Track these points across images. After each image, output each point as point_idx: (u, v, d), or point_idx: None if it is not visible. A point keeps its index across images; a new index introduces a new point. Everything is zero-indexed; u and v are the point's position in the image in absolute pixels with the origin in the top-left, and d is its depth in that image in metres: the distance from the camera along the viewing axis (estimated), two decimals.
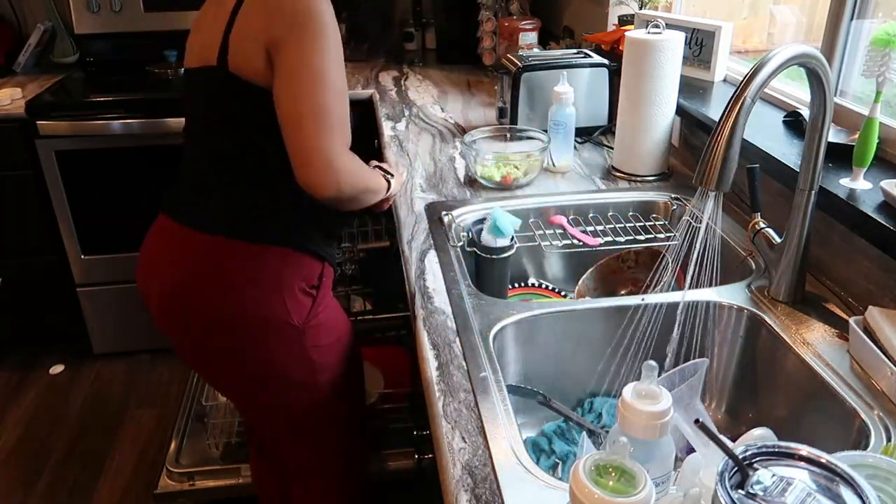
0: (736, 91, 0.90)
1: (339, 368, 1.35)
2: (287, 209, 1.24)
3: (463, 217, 1.40)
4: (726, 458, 0.57)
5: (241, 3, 1.16)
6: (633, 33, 1.47)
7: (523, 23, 2.30)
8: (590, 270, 1.33)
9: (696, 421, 0.64)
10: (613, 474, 0.58)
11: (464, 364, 0.98)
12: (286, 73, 1.12)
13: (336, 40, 1.15)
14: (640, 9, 1.97)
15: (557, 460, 1.05)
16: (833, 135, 1.15)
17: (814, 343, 1.00)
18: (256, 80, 1.15)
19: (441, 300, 1.13)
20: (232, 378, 1.33)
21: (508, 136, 1.65)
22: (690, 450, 0.76)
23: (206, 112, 1.25)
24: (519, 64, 1.76)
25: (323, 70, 1.12)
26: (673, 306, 1.13)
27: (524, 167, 1.50)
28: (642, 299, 1.14)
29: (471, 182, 1.57)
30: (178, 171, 1.32)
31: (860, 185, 1.08)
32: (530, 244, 1.33)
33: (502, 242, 1.27)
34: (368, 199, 1.28)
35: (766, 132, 1.32)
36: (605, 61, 1.78)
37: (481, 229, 1.32)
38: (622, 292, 1.34)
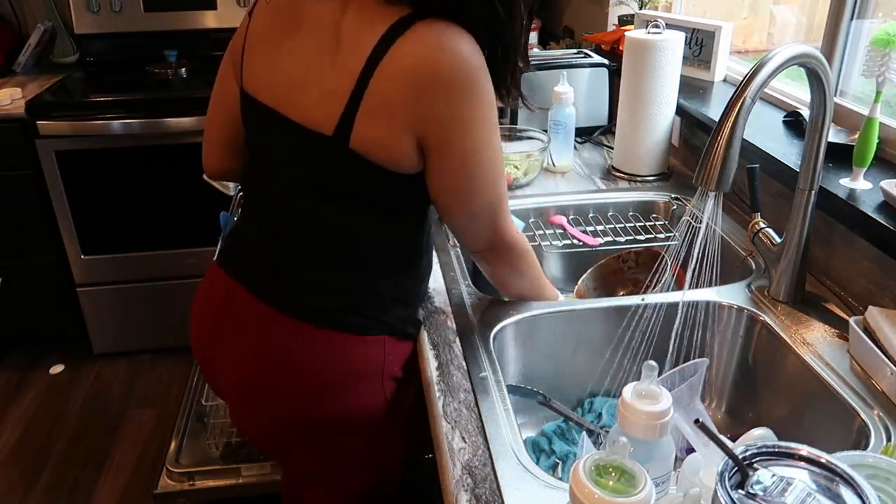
0: (736, 91, 0.90)
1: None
2: (393, 295, 1.04)
3: None
4: (726, 458, 0.57)
5: (375, 63, 0.86)
6: (633, 33, 1.47)
7: None
8: (589, 270, 1.33)
9: (696, 421, 0.64)
10: (613, 474, 0.58)
11: (464, 364, 0.98)
12: (449, 155, 0.92)
13: (494, 112, 0.93)
14: (640, 9, 1.97)
15: (557, 460, 1.05)
16: (833, 135, 1.15)
17: (814, 343, 1.00)
18: (388, 165, 0.91)
19: (441, 300, 1.13)
20: (308, 463, 1.12)
21: (508, 136, 1.65)
22: (690, 450, 0.76)
23: (305, 179, 0.97)
24: None
25: (490, 149, 0.93)
26: (673, 306, 1.13)
27: (524, 167, 1.50)
28: (642, 299, 1.14)
29: None
30: (243, 225, 1.10)
31: (860, 185, 1.08)
32: (530, 244, 1.32)
33: None
34: (536, 289, 1.13)
35: (766, 132, 1.32)
36: (605, 61, 1.78)
37: None
38: (622, 293, 1.34)
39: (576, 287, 1.34)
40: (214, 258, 1.15)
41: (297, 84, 0.93)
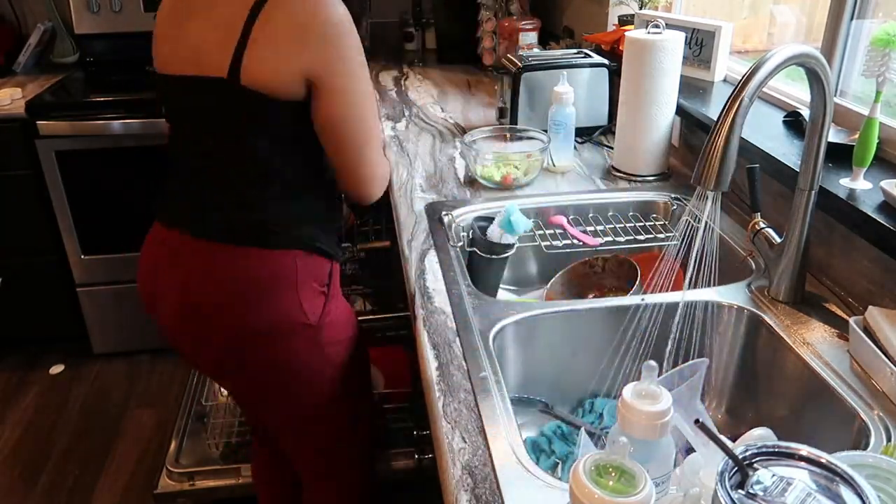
0: (734, 91, 0.90)
1: (350, 365, 1.35)
2: (301, 214, 1.24)
3: (463, 217, 1.40)
4: (726, 458, 0.57)
5: (254, 17, 1.11)
6: (633, 33, 1.47)
7: (523, 23, 2.30)
8: (559, 274, 1.34)
9: (696, 421, 0.64)
10: (613, 474, 0.58)
11: (464, 364, 0.98)
12: (336, 100, 1.17)
13: (363, 53, 1.19)
14: (640, 9, 1.97)
15: (557, 460, 1.05)
16: (833, 135, 1.15)
17: (814, 343, 1.00)
18: (278, 95, 1.14)
19: (441, 300, 1.13)
20: (251, 383, 1.32)
21: (508, 136, 1.65)
22: (690, 450, 0.76)
23: (212, 122, 1.20)
24: (519, 64, 1.76)
25: (367, 93, 1.21)
26: (673, 306, 1.13)
27: (524, 167, 1.50)
28: (642, 299, 1.14)
29: (471, 182, 1.57)
30: (170, 178, 1.30)
31: (860, 185, 1.08)
32: (531, 244, 1.33)
33: (507, 240, 1.27)
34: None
35: (766, 132, 1.32)
36: (605, 61, 1.78)
37: (484, 226, 1.32)
38: (589, 296, 1.34)
39: (546, 289, 1.35)
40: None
41: (196, 48, 1.17)
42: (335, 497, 1.50)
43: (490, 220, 1.33)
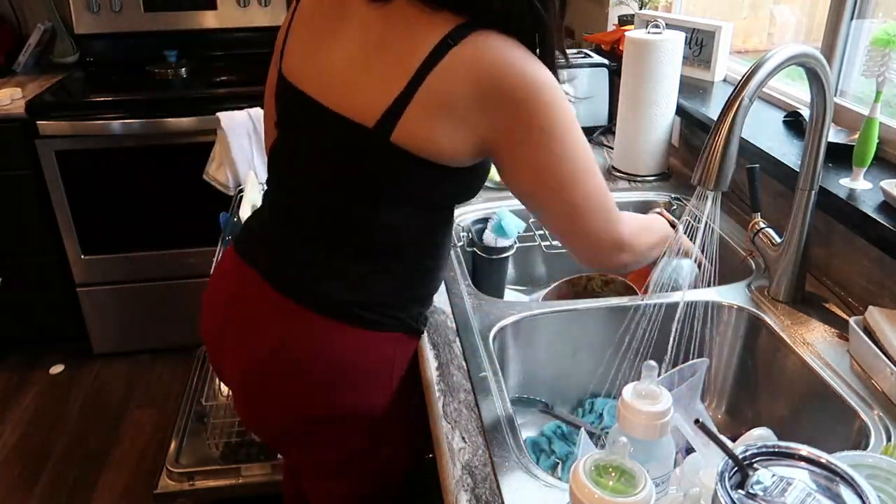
0: (733, 91, 0.90)
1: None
2: (412, 294, 1.04)
3: (463, 217, 1.40)
4: (726, 458, 0.57)
5: (430, 65, 0.85)
6: (633, 33, 1.47)
7: None
8: (558, 283, 1.33)
9: (696, 421, 0.64)
10: (613, 474, 0.58)
11: (464, 364, 0.98)
12: (531, 173, 0.92)
13: (572, 113, 0.93)
14: (640, 9, 1.97)
15: (557, 460, 1.05)
16: (833, 135, 1.15)
17: (814, 343, 1.00)
18: (433, 158, 0.90)
19: (441, 300, 1.13)
20: (310, 460, 1.13)
21: None
22: (690, 450, 0.76)
23: (337, 170, 0.95)
24: None
25: (578, 163, 0.92)
26: (673, 306, 1.13)
27: None
28: (642, 299, 1.14)
29: None
30: (265, 210, 1.08)
31: (860, 185, 1.08)
32: (530, 244, 1.33)
33: (503, 243, 1.27)
34: (655, 253, 1.08)
35: (766, 132, 1.32)
36: (605, 61, 1.78)
37: (482, 229, 1.32)
38: None
39: (544, 293, 1.35)
40: (229, 242, 1.12)
41: (339, 76, 0.92)
42: None
43: (488, 221, 1.33)
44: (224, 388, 2.07)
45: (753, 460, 0.58)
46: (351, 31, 0.92)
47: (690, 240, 1.09)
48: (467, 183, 0.98)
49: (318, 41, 0.96)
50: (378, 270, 0.99)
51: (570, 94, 1.54)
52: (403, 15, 0.88)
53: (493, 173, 1.50)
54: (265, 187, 1.10)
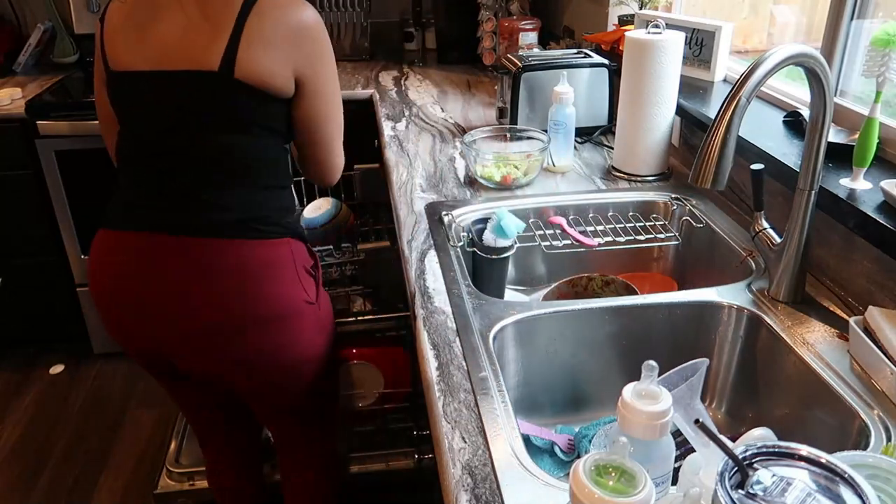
0: (731, 91, 0.90)
1: (333, 343, 1.44)
2: (284, 205, 1.32)
3: (463, 217, 1.40)
4: (726, 458, 0.57)
5: (245, 14, 1.17)
6: (633, 33, 1.47)
7: (523, 23, 2.30)
8: (558, 283, 1.33)
9: (696, 421, 0.64)
10: (613, 474, 0.58)
11: (464, 364, 0.98)
12: (319, 99, 1.27)
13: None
14: (640, 9, 1.97)
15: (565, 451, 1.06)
16: (833, 135, 1.15)
17: (814, 343, 1.00)
18: (268, 89, 1.20)
19: (441, 300, 1.13)
20: (257, 371, 1.32)
21: (508, 136, 1.65)
22: (690, 450, 0.76)
23: (195, 117, 1.20)
24: (519, 64, 1.76)
25: (338, 93, 1.32)
26: (673, 306, 1.13)
27: (524, 167, 1.50)
28: (643, 299, 1.14)
29: (471, 182, 1.57)
30: (128, 181, 1.29)
31: (860, 185, 1.08)
32: (530, 244, 1.33)
33: (503, 243, 1.27)
34: None
35: (766, 132, 1.32)
36: (605, 61, 1.78)
37: (482, 229, 1.32)
38: None
39: (544, 293, 1.35)
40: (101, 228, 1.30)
41: (175, 43, 1.19)
42: (315, 486, 1.61)
43: (488, 221, 1.33)
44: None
45: (753, 460, 0.58)
46: (170, 11, 1.20)
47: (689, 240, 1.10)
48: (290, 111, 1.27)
49: (142, 30, 1.21)
50: (254, 192, 1.25)
51: (566, 93, 1.56)
52: None
53: (492, 173, 1.51)
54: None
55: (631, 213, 1.44)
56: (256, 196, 1.25)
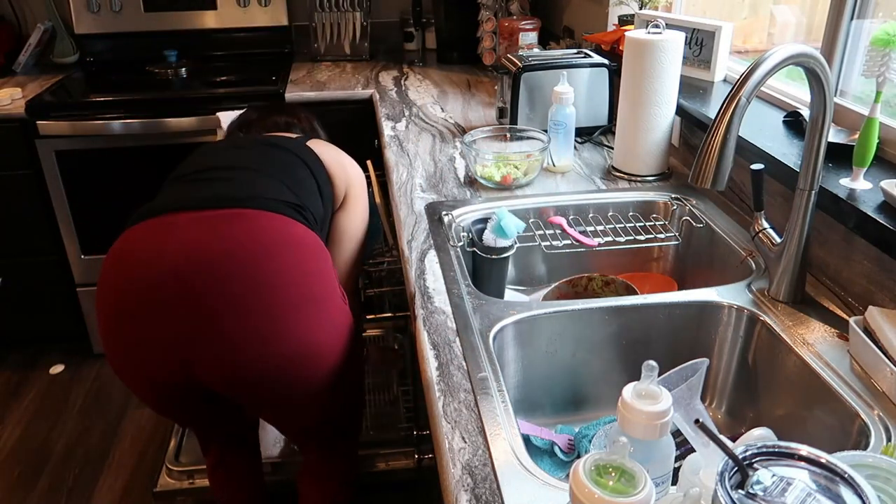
0: (731, 90, 0.90)
1: (358, 352, 1.44)
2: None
3: (463, 217, 1.40)
4: (726, 458, 0.57)
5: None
6: (633, 33, 1.47)
7: (523, 23, 2.30)
8: (558, 283, 1.33)
9: (696, 421, 0.64)
10: (613, 474, 0.58)
11: (464, 364, 0.98)
12: (349, 220, 1.55)
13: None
14: (640, 9, 1.97)
15: (565, 450, 1.06)
16: (833, 135, 1.15)
17: (814, 343, 1.00)
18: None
19: (441, 300, 1.13)
20: (283, 349, 1.26)
21: (508, 135, 1.65)
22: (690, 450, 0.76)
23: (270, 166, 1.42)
24: (519, 64, 1.76)
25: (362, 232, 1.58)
26: (673, 306, 1.13)
27: (524, 167, 1.50)
28: (643, 299, 1.14)
29: (471, 182, 1.57)
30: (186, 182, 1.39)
31: (860, 185, 1.08)
32: (530, 244, 1.33)
33: (503, 243, 1.27)
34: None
35: (766, 132, 1.32)
36: (605, 61, 1.78)
37: (482, 228, 1.32)
38: None
39: (544, 293, 1.35)
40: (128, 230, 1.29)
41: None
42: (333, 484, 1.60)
43: (488, 221, 1.33)
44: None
45: (753, 460, 0.58)
46: None
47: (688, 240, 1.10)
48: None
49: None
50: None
51: (566, 93, 1.56)
52: None
53: (492, 173, 1.51)
54: None
55: (631, 213, 1.44)
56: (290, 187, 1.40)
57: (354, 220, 1.55)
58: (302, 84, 2.49)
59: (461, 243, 1.30)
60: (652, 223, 1.39)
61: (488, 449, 0.83)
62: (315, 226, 1.39)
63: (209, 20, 2.78)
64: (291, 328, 1.22)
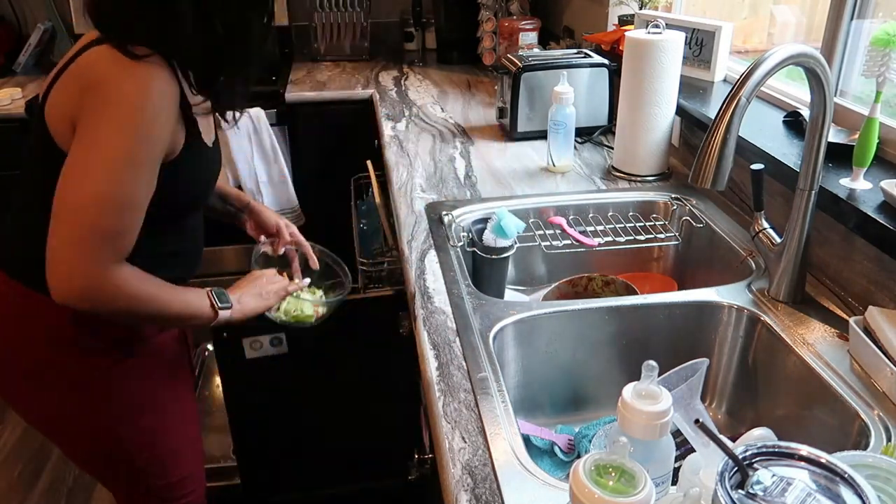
0: (731, 90, 0.90)
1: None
2: None
3: (463, 217, 1.40)
4: (726, 458, 0.57)
5: (72, 59, 1.02)
6: (633, 33, 1.47)
7: (523, 23, 2.30)
8: (557, 283, 1.33)
9: (696, 421, 0.64)
10: (613, 474, 0.58)
11: (464, 364, 0.98)
12: (68, 161, 0.98)
13: (135, 136, 0.96)
14: (640, 9, 1.97)
15: (566, 450, 1.06)
16: (833, 135, 1.15)
17: (814, 343, 1.00)
18: (58, 141, 1.02)
19: (441, 300, 1.13)
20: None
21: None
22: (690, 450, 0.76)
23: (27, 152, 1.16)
24: (519, 64, 1.76)
25: (98, 167, 0.96)
26: (673, 306, 1.13)
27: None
28: (643, 299, 1.14)
29: (471, 182, 1.57)
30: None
31: (860, 185, 1.08)
32: (530, 244, 1.33)
33: (503, 243, 1.27)
34: (172, 323, 1.20)
35: (766, 132, 1.32)
36: (605, 61, 1.78)
37: (482, 229, 1.32)
38: None
39: (544, 293, 1.35)
40: None
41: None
42: None
43: (488, 221, 1.33)
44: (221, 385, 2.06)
45: (753, 460, 0.58)
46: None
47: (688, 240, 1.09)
48: None
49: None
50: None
51: (566, 93, 1.55)
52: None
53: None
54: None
55: (631, 213, 1.43)
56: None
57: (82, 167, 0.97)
58: (302, 84, 2.49)
59: (461, 243, 1.30)
60: (652, 223, 1.39)
61: (488, 449, 0.83)
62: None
63: None
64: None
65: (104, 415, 1.18)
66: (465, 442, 0.84)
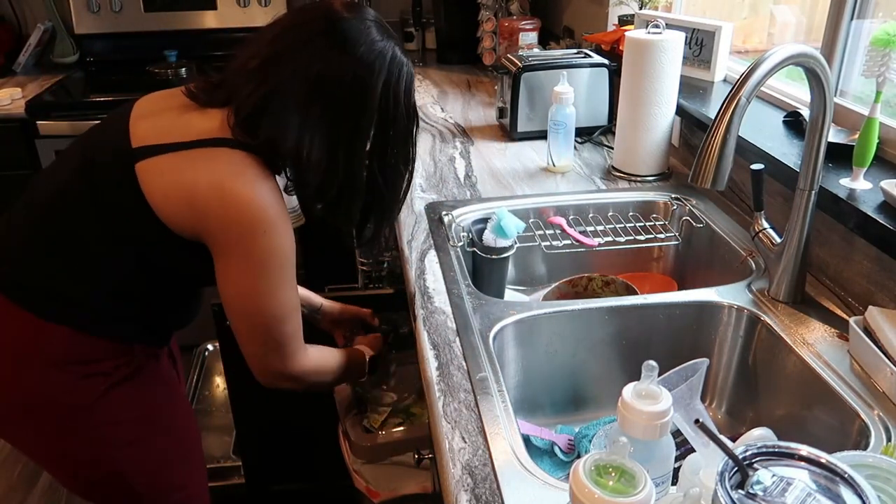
0: (731, 90, 0.90)
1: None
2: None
3: (463, 217, 1.40)
4: (726, 458, 0.57)
5: (198, 146, 1.01)
6: (633, 33, 1.47)
7: (523, 23, 2.30)
8: (557, 283, 1.33)
9: (696, 421, 0.64)
10: (613, 474, 0.58)
11: (464, 364, 0.98)
12: (227, 277, 1.03)
13: (284, 275, 1.03)
14: (640, 9, 1.97)
15: (565, 450, 1.06)
16: (833, 135, 1.15)
17: (814, 343, 1.00)
18: (163, 220, 1.01)
19: (441, 300, 1.13)
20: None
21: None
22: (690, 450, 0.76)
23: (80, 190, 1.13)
24: (519, 64, 1.76)
25: (266, 294, 1.03)
26: (673, 306, 1.13)
27: None
28: (643, 299, 1.14)
29: (471, 182, 1.57)
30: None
31: (860, 185, 1.08)
32: (530, 244, 1.33)
33: (503, 243, 1.27)
34: (343, 379, 1.26)
35: (766, 132, 1.32)
36: (605, 61, 1.78)
37: (482, 229, 1.32)
38: None
39: (544, 293, 1.35)
40: None
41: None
42: None
43: (488, 221, 1.33)
44: (221, 385, 2.07)
45: (753, 460, 0.58)
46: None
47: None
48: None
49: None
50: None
51: (566, 93, 1.55)
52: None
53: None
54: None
55: (631, 213, 1.44)
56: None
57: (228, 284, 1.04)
58: None
59: (461, 243, 1.30)
60: (652, 223, 1.39)
61: (488, 449, 0.83)
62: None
63: (209, 20, 2.77)
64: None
65: (106, 442, 1.14)
66: (465, 442, 0.84)
